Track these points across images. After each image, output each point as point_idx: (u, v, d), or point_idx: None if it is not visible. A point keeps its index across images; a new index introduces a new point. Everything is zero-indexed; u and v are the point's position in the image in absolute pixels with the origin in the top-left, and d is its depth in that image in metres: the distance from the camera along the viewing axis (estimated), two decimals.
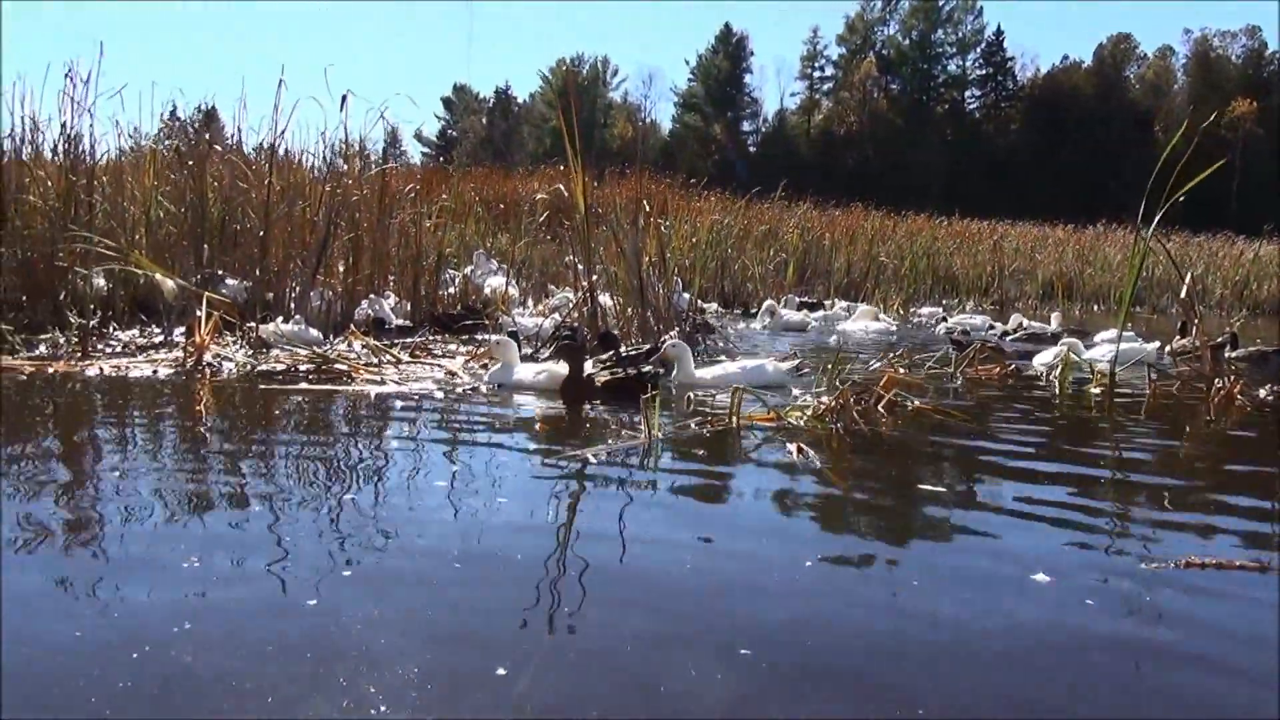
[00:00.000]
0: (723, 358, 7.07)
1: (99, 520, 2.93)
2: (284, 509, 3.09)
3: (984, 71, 70.93)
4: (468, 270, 10.26)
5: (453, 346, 7.48)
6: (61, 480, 3.41)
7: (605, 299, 8.03)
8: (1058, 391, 6.40)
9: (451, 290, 9.75)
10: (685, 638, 2.20)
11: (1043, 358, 7.44)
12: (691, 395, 5.56)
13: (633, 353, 6.32)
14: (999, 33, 69.95)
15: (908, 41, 70.41)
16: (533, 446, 4.28)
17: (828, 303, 13.40)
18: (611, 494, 3.46)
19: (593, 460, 3.88)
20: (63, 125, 8.16)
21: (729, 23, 71.08)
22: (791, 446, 4.11)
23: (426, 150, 59.57)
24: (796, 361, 6.58)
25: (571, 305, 8.39)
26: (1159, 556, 2.81)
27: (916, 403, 5.10)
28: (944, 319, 11.90)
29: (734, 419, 4.64)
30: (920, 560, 2.83)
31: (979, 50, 70.60)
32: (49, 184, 8.04)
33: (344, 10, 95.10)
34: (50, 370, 5.64)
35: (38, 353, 6.29)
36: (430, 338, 8.01)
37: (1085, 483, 3.91)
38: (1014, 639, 2.26)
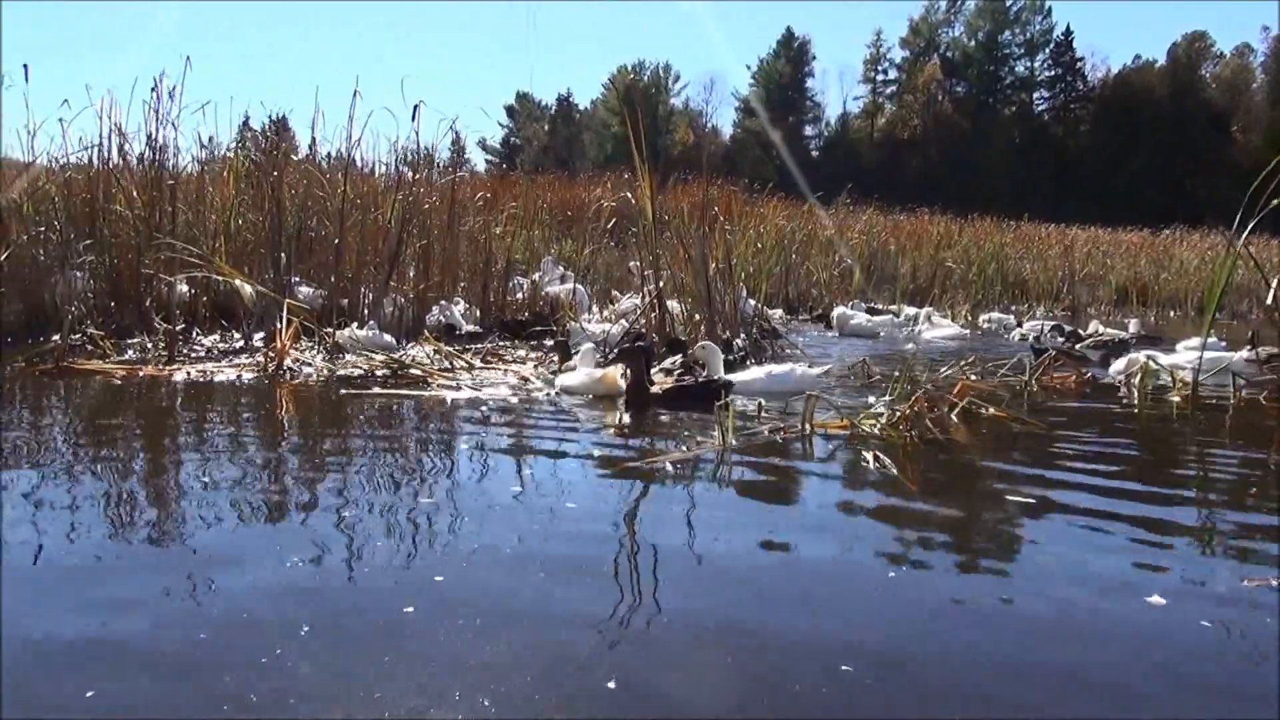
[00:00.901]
0: (791, 363, 7.03)
1: (202, 517, 3.03)
2: (370, 512, 3.17)
3: (1053, 72, 69.54)
4: (536, 276, 10.36)
5: (522, 352, 7.57)
6: (163, 479, 3.54)
7: (672, 304, 8.06)
8: (1137, 400, 6.25)
9: (519, 296, 9.87)
10: (779, 650, 2.20)
11: (1119, 365, 7.28)
12: (762, 402, 5.55)
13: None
14: (1068, 32, 68.59)
15: (973, 43, 69.34)
16: (605, 453, 4.31)
17: (894, 308, 13.27)
18: (686, 501, 3.47)
19: (668, 467, 3.90)
20: (149, 136, 8.48)
21: (790, 27, 70.69)
22: (867, 454, 4.08)
23: (490, 158, 60.31)
24: (827, 366, 6.55)
25: (638, 311, 8.43)
26: (1258, 576, 2.74)
27: (992, 410, 5.03)
28: (1018, 325, 11.67)
29: (806, 426, 4.64)
30: (1014, 575, 2.79)
31: (1047, 51, 69.23)
32: (134, 194, 8.33)
33: (406, 17, 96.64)
34: (140, 374, 5.85)
35: (127, 357, 6.51)
36: (500, 343, 8.11)
37: (1170, 494, 3.82)
38: (1143, 669, 2.18)
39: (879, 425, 4.66)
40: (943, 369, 6.66)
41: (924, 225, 21.40)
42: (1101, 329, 10.09)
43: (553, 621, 2.30)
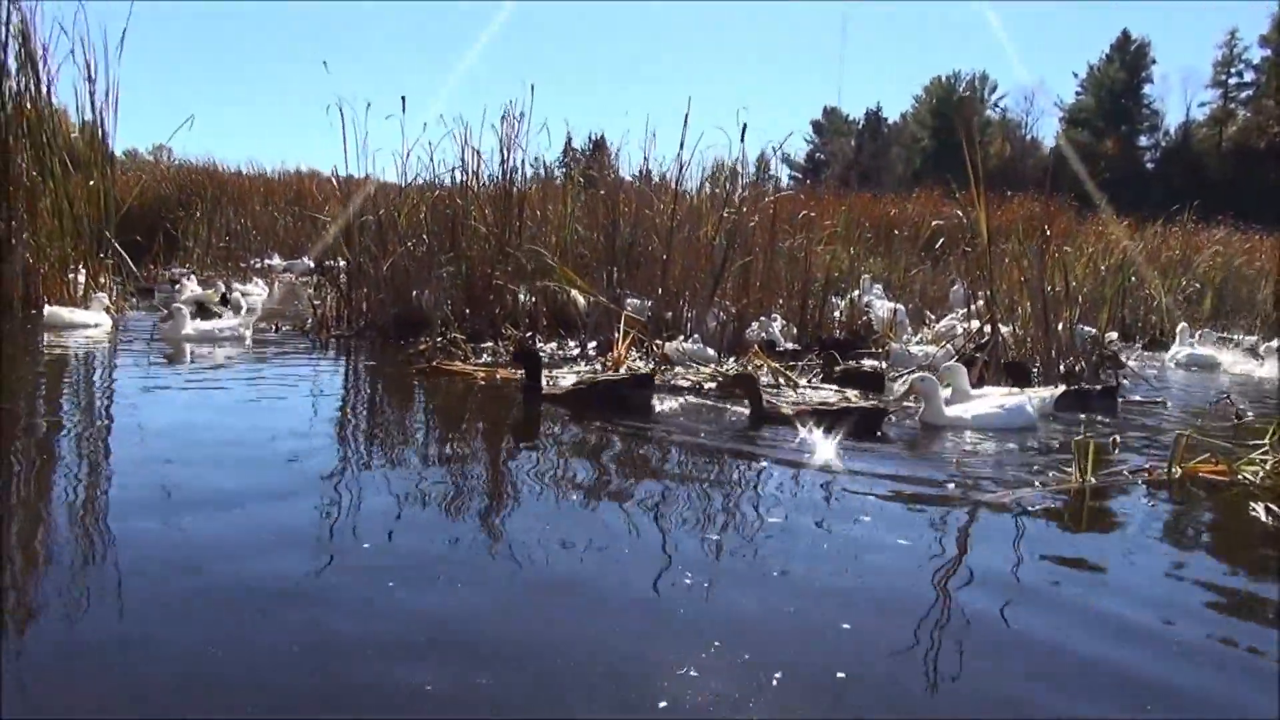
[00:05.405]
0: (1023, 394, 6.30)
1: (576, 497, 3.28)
2: (699, 514, 3.28)
3: None
4: (854, 294, 10.25)
5: None
6: (553, 461, 3.88)
7: (1004, 328, 7.68)
8: None
9: (837, 314, 9.80)
10: None
11: None
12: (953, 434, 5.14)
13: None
14: None
15: None
16: (942, 488, 4.15)
17: (1251, 339, 11.85)
18: (1034, 549, 3.27)
19: (1022, 506, 3.71)
20: (502, 157, 9.31)
21: (1127, 29, 64.87)
22: (1257, 506, 3.67)
23: (794, 174, 60.43)
24: (1056, 392, 5.96)
25: (962, 333, 8.11)
26: None
27: None
28: None
29: (1175, 469, 4.24)
30: None
31: None
32: (487, 211, 9.17)
33: (711, 37, 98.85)
34: (497, 376, 6.42)
35: (482, 360, 7.17)
36: (817, 361, 8.08)
37: None
38: None
39: (1263, 474, 4.18)
40: None
41: None
42: None
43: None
